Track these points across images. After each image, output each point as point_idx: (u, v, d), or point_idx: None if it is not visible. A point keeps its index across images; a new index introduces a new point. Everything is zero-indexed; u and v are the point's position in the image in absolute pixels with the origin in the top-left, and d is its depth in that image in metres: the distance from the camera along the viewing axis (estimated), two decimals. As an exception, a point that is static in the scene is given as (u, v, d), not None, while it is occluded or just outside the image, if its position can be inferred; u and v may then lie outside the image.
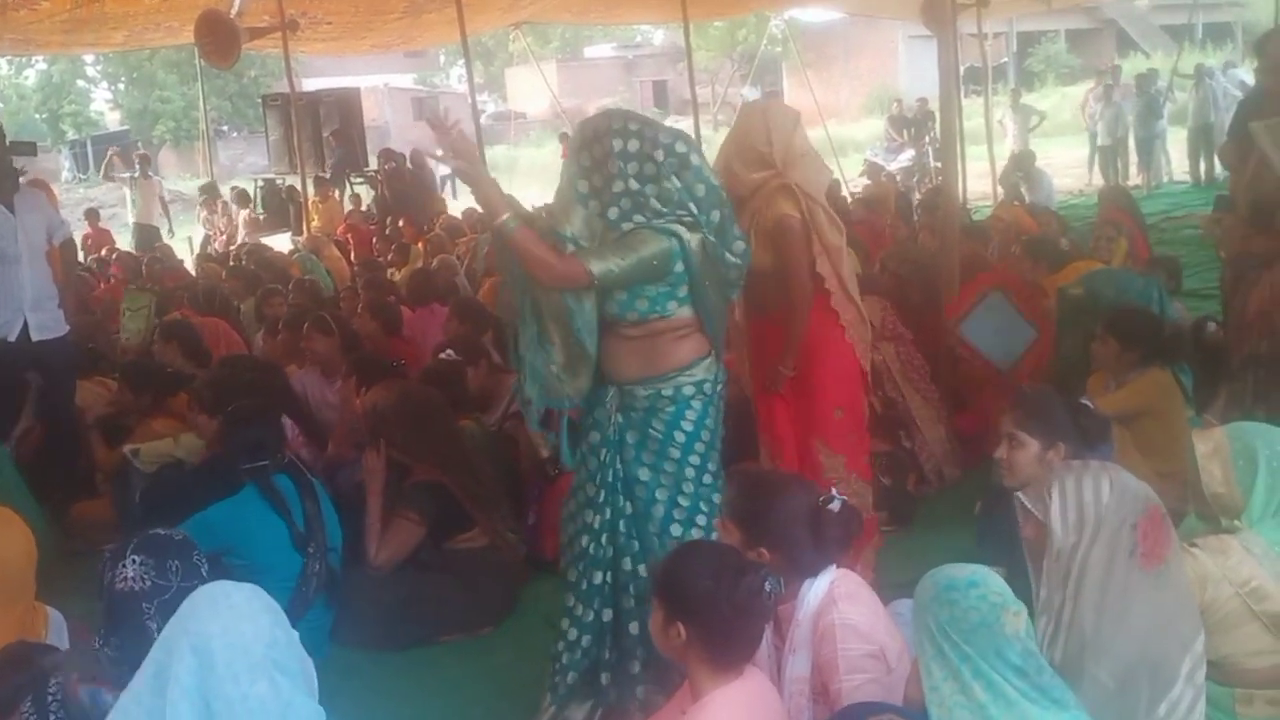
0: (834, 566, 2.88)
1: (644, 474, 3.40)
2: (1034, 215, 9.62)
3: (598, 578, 3.45)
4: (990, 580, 2.38)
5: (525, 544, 4.83)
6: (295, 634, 2.19)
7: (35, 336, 5.76)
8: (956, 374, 5.97)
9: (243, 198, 16.74)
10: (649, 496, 3.40)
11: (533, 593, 4.65)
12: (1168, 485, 3.60)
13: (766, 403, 4.40)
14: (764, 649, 2.80)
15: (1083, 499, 2.68)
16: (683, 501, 3.40)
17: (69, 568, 4.61)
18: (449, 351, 5.58)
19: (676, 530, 3.39)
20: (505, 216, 3.18)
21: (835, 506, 2.88)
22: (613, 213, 3.24)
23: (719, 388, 3.45)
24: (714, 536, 3.24)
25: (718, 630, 2.47)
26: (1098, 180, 17.88)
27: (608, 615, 3.48)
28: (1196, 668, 2.67)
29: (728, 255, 3.34)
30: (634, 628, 3.41)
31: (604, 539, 3.43)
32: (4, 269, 5.69)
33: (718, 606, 2.46)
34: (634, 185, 3.22)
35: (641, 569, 3.39)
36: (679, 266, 3.26)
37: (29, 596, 3.28)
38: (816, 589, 2.82)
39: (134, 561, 2.83)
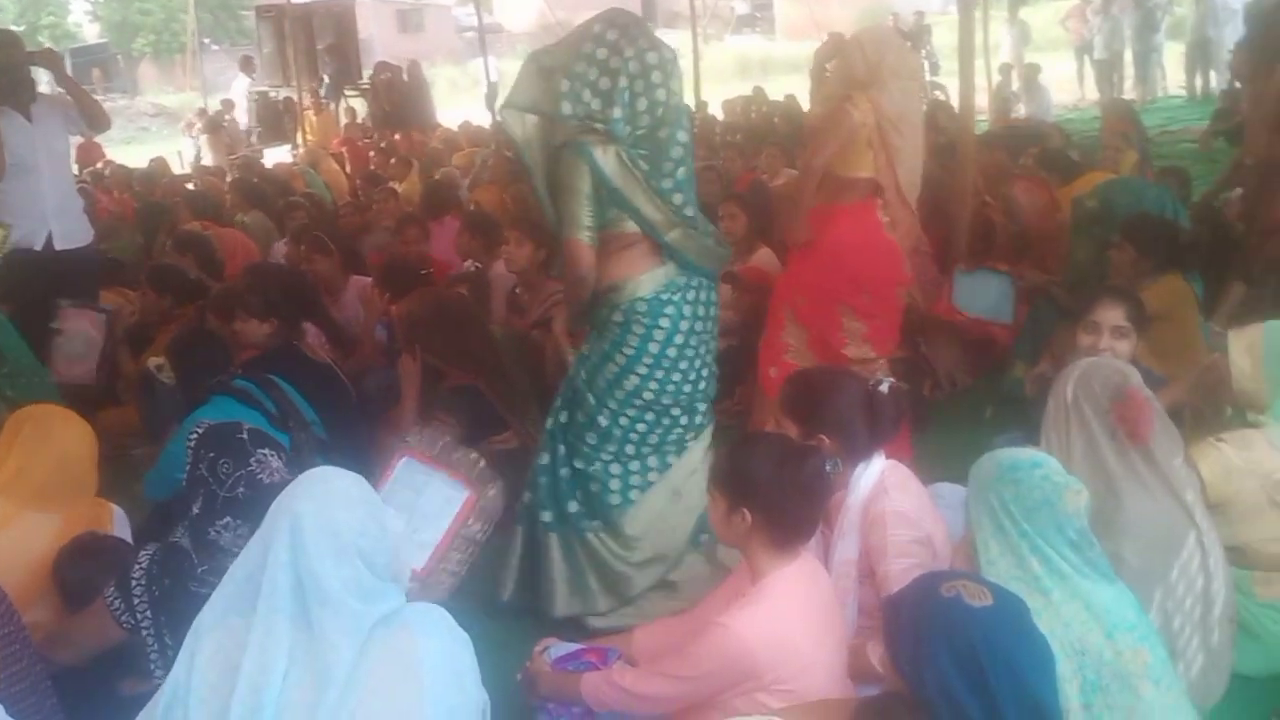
0: (883, 456, 3.01)
1: (584, 374, 3.70)
2: (1042, 133, 9.66)
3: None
4: (1050, 461, 2.53)
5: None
6: (391, 532, 2.26)
7: (59, 245, 5.76)
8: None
9: (227, 108, 16.56)
10: (580, 394, 3.71)
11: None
12: (1180, 384, 3.76)
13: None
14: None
15: (1059, 397, 2.95)
16: (603, 420, 3.67)
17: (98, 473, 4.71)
18: (474, 263, 5.65)
19: (592, 440, 3.71)
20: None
21: (885, 388, 3.03)
22: (563, 84, 3.42)
23: (666, 318, 3.59)
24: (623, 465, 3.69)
25: (782, 513, 2.59)
26: (1090, 94, 17.88)
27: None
28: (1203, 540, 2.84)
29: (646, 166, 3.46)
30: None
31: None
32: (24, 178, 5.66)
33: (782, 490, 2.58)
34: (584, 70, 3.41)
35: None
36: (599, 186, 3.44)
37: (92, 491, 3.40)
38: (868, 478, 2.96)
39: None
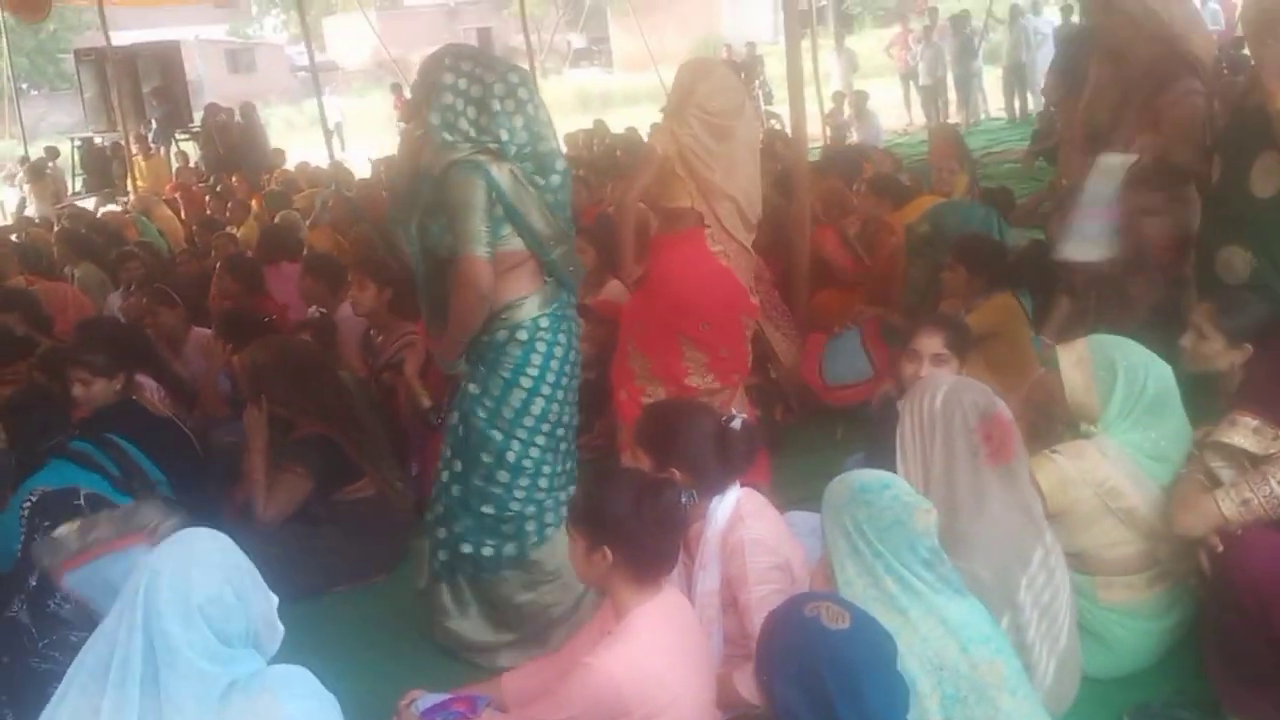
0: (739, 485, 3.06)
1: (466, 416, 3.63)
2: (866, 155, 9.98)
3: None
4: (900, 482, 2.61)
5: (412, 492, 4.87)
6: (255, 602, 2.19)
7: None
8: (809, 308, 6.23)
9: (51, 155, 15.88)
10: (469, 437, 3.63)
11: (422, 540, 4.71)
12: (1015, 397, 3.91)
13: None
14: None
15: (922, 411, 3.01)
16: (491, 446, 3.61)
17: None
18: (318, 308, 5.55)
19: (482, 471, 3.63)
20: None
21: (737, 425, 3.07)
22: (434, 118, 3.41)
23: (544, 334, 3.58)
24: (526, 482, 3.63)
25: (641, 548, 2.61)
26: (918, 119, 18.60)
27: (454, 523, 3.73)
28: (1049, 553, 2.96)
29: (540, 180, 3.51)
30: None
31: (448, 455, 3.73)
32: None
33: (641, 525, 2.60)
34: (449, 99, 3.40)
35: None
36: (495, 200, 3.42)
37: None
38: (724, 507, 3.00)
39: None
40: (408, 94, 3.68)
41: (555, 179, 3.55)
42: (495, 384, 3.57)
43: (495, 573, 3.69)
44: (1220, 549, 2.95)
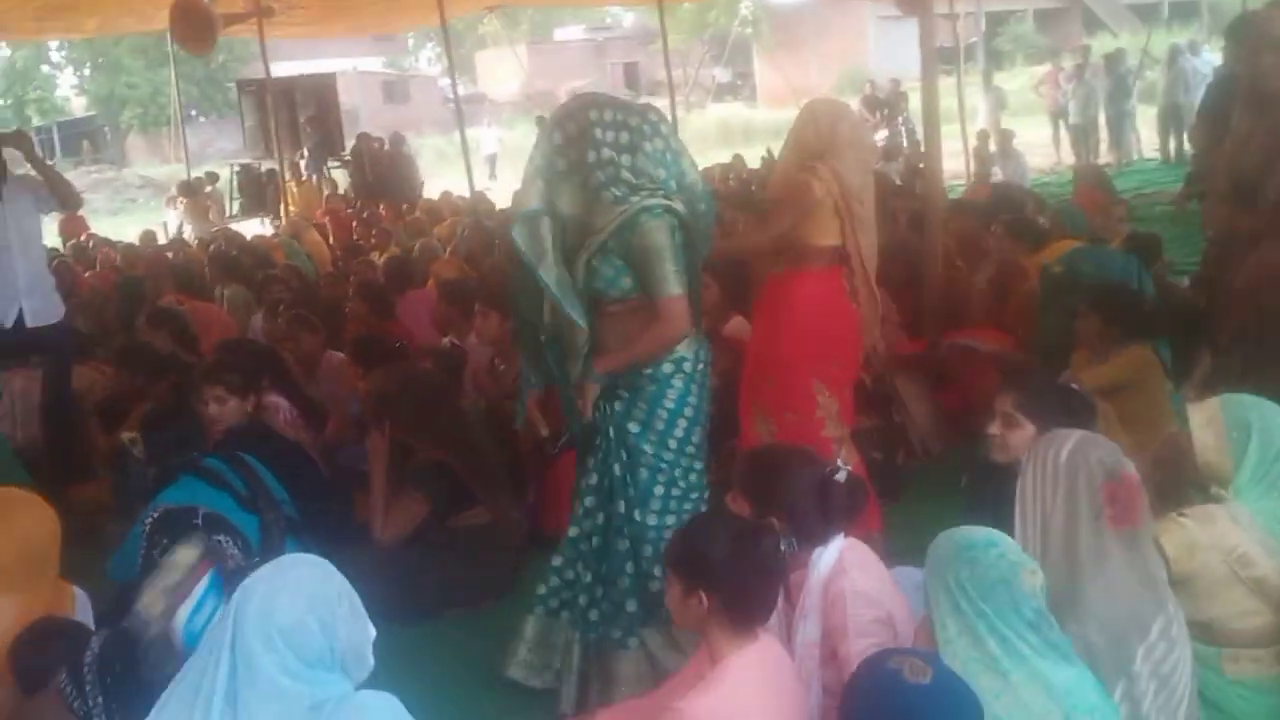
0: (843, 535, 3.00)
1: (632, 450, 3.60)
2: (1007, 193, 9.76)
3: (584, 538, 3.71)
4: (1006, 541, 2.52)
5: (526, 521, 4.92)
6: (344, 634, 2.22)
7: (30, 323, 5.80)
8: (939, 353, 6.10)
9: (210, 179, 16.64)
10: (635, 472, 3.60)
11: (533, 568, 4.74)
12: (1146, 455, 3.73)
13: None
14: (774, 616, 2.92)
15: (1046, 465, 2.84)
16: (662, 477, 3.61)
17: (67, 550, 4.67)
18: (451, 339, 5.67)
19: (656, 505, 3.61)
20: None
21: (841, 477, 3.01)
22: (593, 181, 3.43)
23: (701, 365, 3.65)
24: (690, 508, 3.59)
25: (738, 594, 2.58)
26: (1066, 158, 18.12)
27: (588, 577, 3.67)
28: (1171, 622, 2.80)
29: (699, 218, 3.59)
30: (623, 582, 3.62)
31: (592, 503, 3.68)
32: (-2, 257, 5.72)
33: (739, 570, 2.57)
34: (608, 154, 3.42)
35: (625, 533, 3.62)
36: (679, 240, 3.49)
37: (53, 573, 3.36)
38: (828, 557, 2.94)
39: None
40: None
41: (703, 207, 3.63)
42: (659, 417, 3.60)
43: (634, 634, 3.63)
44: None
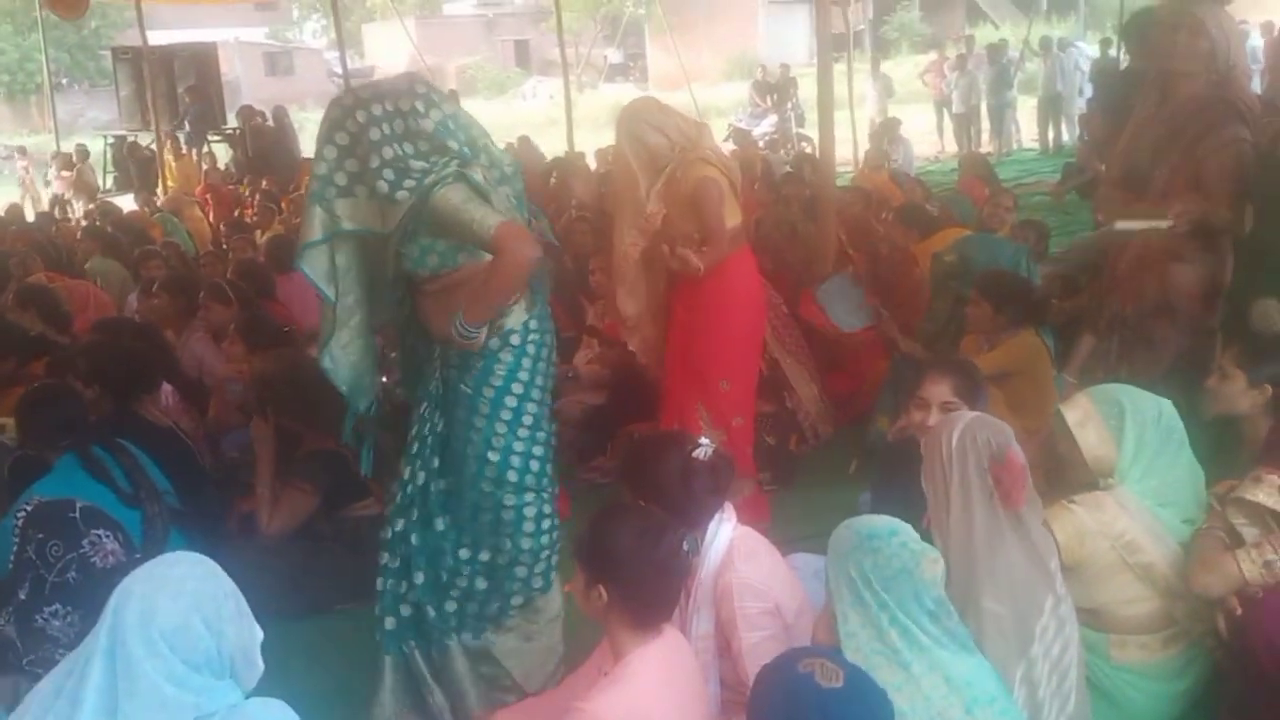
0: (734, 524, 2.99)
1: (457, 429, 3.37)
2: (898, 181, 9.92)
3: (401, 526, 3.49)
4: (907, 529, 2.53)
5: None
6: (230, 634, 2.11)
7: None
8: (827, 337, 6.16)
9: (80, 154, 15.93)
10: (461, 451, 3.37)
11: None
12: (1035, 440, 3.81)
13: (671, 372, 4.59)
14: (674, 609, 2.90)
15: (941, 448, 2.88)
16: (493, 457, 3.34)
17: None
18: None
19: (487, 486, 3.36)
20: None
21: (702, 454, 2.98)
22: (381, 187, 3.13)
23: (533, 338, 3.38)
24: (529, 496, 3.36)
25: (639, 590, 2.54)
26: (949, 146, 18.51)
27: (419, 578, 3.49)
28: (1060, 602, 2.86)
29: (509, 182, 3.37)
30: (444, 575, 3.45)
31: (412, 491, 3.44)
32: None
33: (640, 566, 2.53)
34: (390, 152, 3.13)
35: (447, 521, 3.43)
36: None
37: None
38: (717, 548, 2.93)
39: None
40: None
41: (509, 170, 3.40)
42: (484, 397, 3.34)
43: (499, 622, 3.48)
44: (1239, 612, 2.86)
